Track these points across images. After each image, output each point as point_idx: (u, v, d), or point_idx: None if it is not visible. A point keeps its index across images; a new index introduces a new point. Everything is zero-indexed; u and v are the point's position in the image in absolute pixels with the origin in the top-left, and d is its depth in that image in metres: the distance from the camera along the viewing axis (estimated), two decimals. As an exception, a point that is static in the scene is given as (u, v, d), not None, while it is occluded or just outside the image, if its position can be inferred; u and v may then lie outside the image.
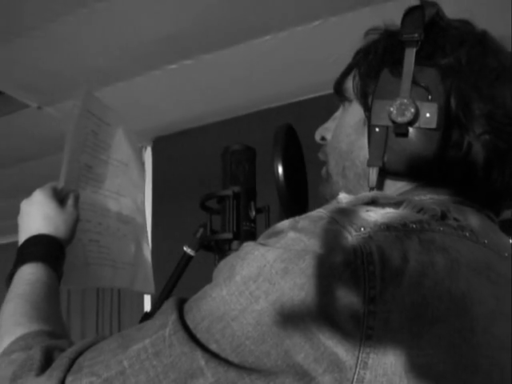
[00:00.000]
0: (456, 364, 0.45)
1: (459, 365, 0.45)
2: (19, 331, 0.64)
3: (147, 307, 2.48)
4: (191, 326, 0.49)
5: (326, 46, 2.04)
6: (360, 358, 0.44)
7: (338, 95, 0.73)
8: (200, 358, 0.46)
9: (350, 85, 0.70)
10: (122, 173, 1.00)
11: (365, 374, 0.44)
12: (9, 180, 3.52)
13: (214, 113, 2.55)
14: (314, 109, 2.30)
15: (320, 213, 0.51)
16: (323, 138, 0.74)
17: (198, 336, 0.48)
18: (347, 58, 1.67)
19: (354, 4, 1.82)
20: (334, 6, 1.83)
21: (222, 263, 0.53)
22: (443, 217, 0.53)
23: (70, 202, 0.87)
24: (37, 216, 0.83)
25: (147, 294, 1.00)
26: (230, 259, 0.52)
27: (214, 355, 0.47)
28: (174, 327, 0.49)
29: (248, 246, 0.51)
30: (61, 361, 0.54)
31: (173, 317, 0.49)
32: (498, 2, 1.69)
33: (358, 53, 0.71)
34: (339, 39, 1.97)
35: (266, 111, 2.47)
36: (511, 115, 0.61)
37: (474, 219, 0.58)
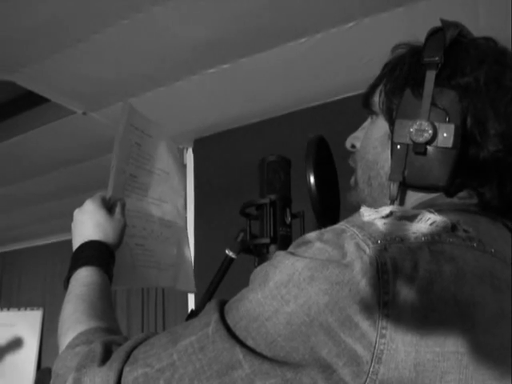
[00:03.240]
0: (459, 361, 0.49)
1: (462, 362, 0.49)
2: (80, 328, 0.72)
3: (191, 305, 2.56)
4: (231, 324, 0.55)
5: (361, 47, 2.07)
6: (375, 354, 0.49)
7: (366, 108, 0.78)
8: (239, 353, 0.53)
9: (376, 99, 0.74)
10: (163, 181, 1.06)
11: (379, 367, 0.49)
12: (56, 182, 3.68)
13: (252, 114, 2.62)
14: (349, 108, 2.34)
15: (342, 226, 0.57)
16: (353, 146, 0.79)
17: (237, 333, 0.54)
18: (380, 59, 1.71)
19: (388, 5, 1.85)
20: (368, 6, 1.86)
21: (258, 269, 0.59)
22: (453, 229, 0.58)
23: (118, 209, 0.95)
24: (89, 224, 0.91)
25: (189, 292, 1.06)
26: (264, 267, 0.58)
27: (251, 350, 0.53)
28: (216, 326, 0.55)
29: (280, 255, 0.57)
30: (119, 354, 0.61)
31: (215, 317, 0.56)
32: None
33: (385, 67, 0.76)
34: (373, 40, 2.01)
35: (301, 112, 2.52)
36: None
37: (484, 229, 0.62)
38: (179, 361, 0.56)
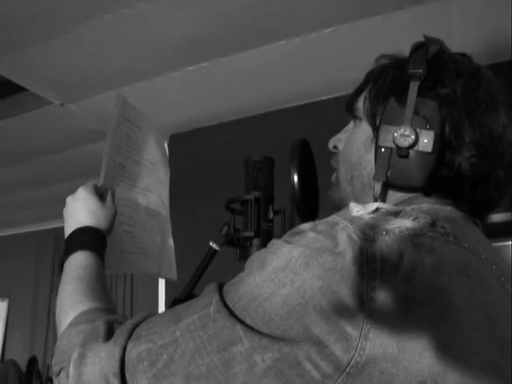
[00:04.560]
0: (436, 340, 0.55)
1: (439, 341, 0.55)
2: (81, 307, 0.75)
3: (161, 295, 2.61)
4: (230, 304, 0.60)
5: (338, 52, 2.14)
6: (362, 332, 0.54)
7: (350, 113, 0.83)
8: (239, 330, 0.57)
9: (360, 105, 0.80)
10: (150, 171, 1.10)
11: (366, 344, 0.54)
12: (26, 173, 3.66)
13: (229, 113, 2.66)
14: (326, 110, 2.42)
15: (335, 219, 0.62)
16: (335, 147, 0.85)
17: (236, 313, 0.59)
18: (357, 64, 1.79)
19: (366, 13, 1.91)
20: (347, 14, 1.92)
21: (255, 256, 0.64)
22: (433, 224, 0.63)
23: (109, 197, 0.98)
24: (82, 210, 0.93)
25: (171, 279, 1.09)
26: (261, 253, 0.63)
27: (250, 327, 0.57)
28: (217, 306, 0.60)
29: (277, 243, 0.62)
30: (122, 330, 0.65)
31: (216, 297, 0.60)
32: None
33: (368, 75, 0.81)
34: (351, 45, 2.08)
35: (277, 112, 2.58)
36: (495, 143, 0.71)
37: (459, 226, 0.68)
38: (182, 337, 0.60)
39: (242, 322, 0.57)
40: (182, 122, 2.75)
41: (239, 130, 2.69)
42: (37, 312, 5.23)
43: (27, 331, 5.21)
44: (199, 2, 1.84)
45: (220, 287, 0.62)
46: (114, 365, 0.61)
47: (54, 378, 0.69)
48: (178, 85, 2.41)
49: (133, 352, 0.61)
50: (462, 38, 2.01)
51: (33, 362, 4.99)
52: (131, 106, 1.08)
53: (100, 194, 0.98)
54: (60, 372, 0.67)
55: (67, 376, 0.64)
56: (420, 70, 0.71)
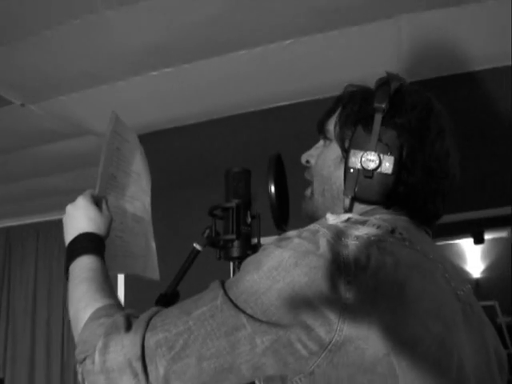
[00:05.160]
0: (396, 322, 0.68)
1: (398, 323, 0.69)
2: (97, 304, 0.84)
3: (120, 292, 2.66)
4: (233, 298, 0.71)
5: (295, 62, 2.27)
6: (341, 318, 0.67)
7: (320, 133, 0.96)
8: (243, 318, 0.69)
9: (330, 128, 0.93)
10: (135, 181, 1.19)
11: (343, 326, 0.67)
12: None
13: (189, 116, 2.76)
14: (281, 115, 2.56)
15: (316, 227, 0.75)
16: (308, 162, 0.98)
17: (239, 305, 0.70)
18: (311, 74, 1.93)
19: (321, 27, 2.05)
20: (304, 27, 2.05)
21: (250, 259, 0.76)
22: (392, 231, 0.77)
23: (104, 206, 1.06)
24: (82, 218, 1.01)
25: (154, 279, 1.18)
26: (256, 256, 0.75)
27: (251, 316, 0.69)
28: (222, 299, 0.71)
29: (269, 248, 0.75)
30: (139, 323, 0.75)
31: (221, 292, 0.72)
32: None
33: (338, 101, 0.94)
34: (308, 57, 2.22)
35: (234, 116, 2.70)
36: (442, 165, 0.86)
37: (412, 233, 0.82)
38: (194, 326, 0.71)
39: (244, 312, 0.70)
40: (143, 125, 2.82)
41: (197, 133, 2.79)
42: None
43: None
44: (164, 12, 1.92)
45: (222, 284, 0.74)
46: (137, 351, 0.71)
47: (77, 366, 0.78)
48: (141, 89, 2.48)
49: (151, 340, 0.72)
50: (411, 52, 2.19)
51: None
52: (121, 121, 1.16)
53: (96, 203, 1.06)
54: (84, 359, 0.76)
55: (93, 362, 0.74)
56: (383, 105, 0.84)
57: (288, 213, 1.01)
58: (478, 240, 2.22)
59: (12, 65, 2.27)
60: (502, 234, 2.26)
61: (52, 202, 4.50)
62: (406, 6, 1.98)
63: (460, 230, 2.19)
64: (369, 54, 2.22)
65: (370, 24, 2.05)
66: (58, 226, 3.79)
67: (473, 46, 2.17)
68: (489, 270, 2.35)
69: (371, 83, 2.39)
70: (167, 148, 2.83)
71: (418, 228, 0.86)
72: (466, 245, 2.34)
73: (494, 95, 2.25)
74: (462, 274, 0.81)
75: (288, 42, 2.14)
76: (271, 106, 2.62)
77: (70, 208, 1.05)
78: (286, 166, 1.05)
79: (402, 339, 0.68)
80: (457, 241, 2.34)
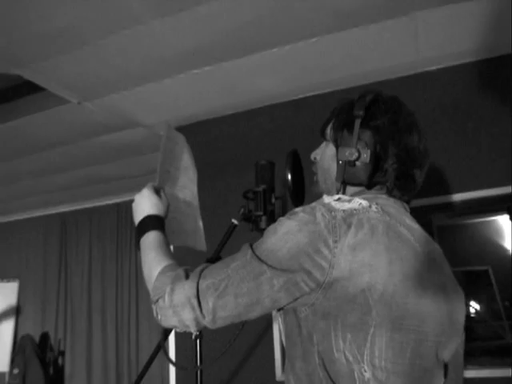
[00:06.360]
0: (370, 267, 0.95)
1: (372, 268, 0.95)
2: (163, 264, 1.13)
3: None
4: (258, 254, 1.00)
5: (321, 58, 2.51)
6: (330, 264, 0.95)
7: (322, 136, 1.23)
8: (264, 267, 0.97)
9: (328, 132, 1.20)
10: (184, 174, 1.47)
11: (332, 270, 0.95)
12: (39, 162, 4.01)
13: (225, 107, 3.05)
14: (310, 105, 2.80)
15: (314, 204, 1.03)
16: (315, 158, 1.24)
17: (262, 258, 0.99)
18: (337, 68, 2.19)
19: (345, 25, 2.28)
20: (329, 26, 2.28)
21: (270, 228, 1.04)
22: (370, 206, 1.03)
23: (163, 194, 1.34)
24: (148, 204, 1.29)
25: (203, 250, 1.46)
26: (274, 226, 1.03)
27: (270, 266, 0.97)
28: (250, 255, 1.00)
29: (282, 219, 1.03)
30: (194, 274, 1.04)
31: (249, 251, 1.01)
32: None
33: (333, 112, 1.20)
34: (332, 52, 2.45)
35: (269, 107, 2.99)
36: (409, 153, 1.10)
37: (388, 206, 1.07)
38: (231, 274, 1.00)
39: (266, 263, 0.99)
40: (186, 116, 3.12)
41: (235, 123, 3.07)
42: (46, 291, 5.59)
43: (38, 309, 5.56)
44: (202, 19, 2.18)
45: (251, 245, 1.03)
46: (194, 292, 1.01)
47: (152, 305, 1.07)
48: (184, 85, 2.76)
49: (203, 285, 1.01)
50: (427, 44, 2.40)
51: (45, 337, 5.39)
52: (172, 128, 1.45)
53: (156, 192, 1.33)
54: (157, 300, 1.05)
55: (164, 301, 1.03)
56: (361, 112, 1.10)
57: (303, 195, 1.28)
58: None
59: (70, 70, 2.59)
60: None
61: (103, 188, 4.88)
62: (421, 3, 2.18)
63: (496, 207, 2.37)
64: (388, 47, 2.44)
65: (388, 21, 2.26)
66: (109, 210, 4.26)
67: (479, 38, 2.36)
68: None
69: (393, 73, 2.60)
70: (208, 137, 3.12)
71: (395, 202, 1.12)
72: (503, 221, 2.48)
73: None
74: (427, 238, 1.05)
75: (314, 39, 2.38)
76: (300, 96, 2.87)
77: (137, 197, 1.32)
78: (307, 146, 1.30)
79: (373, 280, 0.95)
80: (493, 217, 2.50)
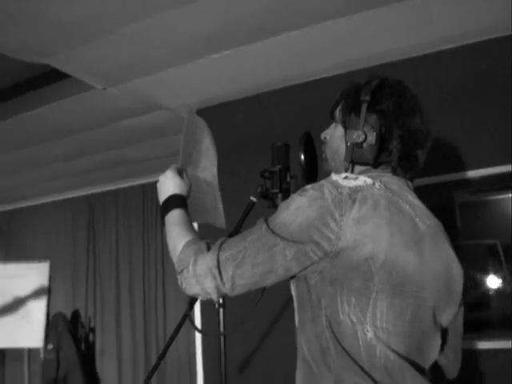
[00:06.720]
0: (373, 237, 1.05)
1: (374, 239, 1.05)
2: (187, 238, 1.23)
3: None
4: (272, 227, 1.10)
5: (336, 40, 2.57)
6: (337, 236, 1.05)
7: (331, 118, 1.31)
8: (278, 239, 1.07)
9: (337, 114, 1.28)
10: (205, 156, 1.56)
11: (338, 241, 1.05)
12: (65, 147, 4.16)
13: (245, 90, 3.14)
14: (324, 86, 2.87)
15: (323, 182, 1.12)
16: (325, 138, 1.33)
17: (276, 231, 1.09)
18: (351, 50, 2.26)
19: (359, 8, 2.33)
20: (343, 9, 2.34)
21: (283, 203, 1.14)
22: (373, 184, 1.12)
23: (185, 175, 1.43)
24: (171, 184, 1.38)
25: (222, 227, 1.56)
26: (287, 201, 1.13)
27: (282, 237, 1.07)
28: (265, 229, 1.10)
29: (294, 196, 1.12)
30: (215, 247, 1.14)
31: (264, 225, 1.11)
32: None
33: (342, 95, 1.28)
34: (347, 35, 2.50)
35: (286, 88, 3.06)
36: (412, 135, 1.18)
37: (391, 184, 1.16)
38: (248, 245, 1.10)
39: (279, 236, 1.09)
40: (207, 98, 3.21)
41: (252, 105, 3.17)
42: (76, 270, 5.79)
43: (69, 288, 5.77)
44: (220, 4, 2.26)
45: (265, 220, 1.14)
46: (215, 263, 1.11)
47: (177, 275, 1.17)
48: (204, 69, 2.85)
49: (222, 256, 1.11)
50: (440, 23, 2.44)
51: (76, 314, 5.61)
52: (194, 113, 1.55)
53: (179, 173, 1.42)
54: (182, 271, 1.16)
55: (188, 271, 1.14)
56: (367, 97, 1.18)
57: (316, 173, 1.37)
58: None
59: (95, 57, 2.70)
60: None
61: (128, 170, 5.02)
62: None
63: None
64: (403, 28, 2.48)
65: (401, 2, 2.30)
66: (134, 191, 4.41)
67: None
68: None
69: (408, 53, 2.63)
70: (227, 119, 3.21)
71: (399, 180, 1.20)
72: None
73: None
74: (428, 213, 1.15)
75: (329, 22, 2.44)
76: (316, 78, 2.94)
77: (162, 177, 1.42)
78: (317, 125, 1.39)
79: (375, 250, 1.05)
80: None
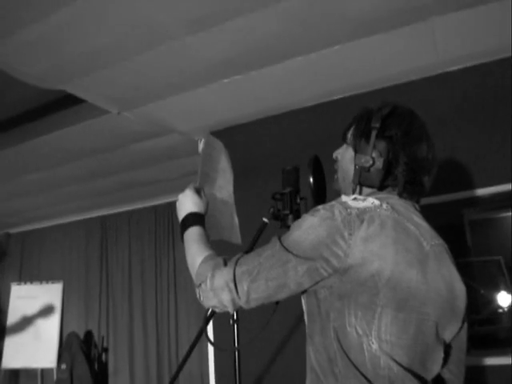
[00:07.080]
0: (379, 256, 1.10)
1: (380, 256, 1.11)
2: (205, 254, 1.31)
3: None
4: (285, 245, 1.16)
5: (344, 63, 2.66)
6: (345, 253, 1.11)
7: (343, 140, 1.38)
8: (290, 256, 1.14)
9: (349, 136, 1.35)
10: (222, 176, 1.65)
11: (347, 259, 1.11)
12: (77, 169, 4.26)
13: (254, 113, 3.23)
14: (334, 108, 2.94)
15: (333, 203, 1.18)
16: (337, 158, 1.40)
17: (288, 249, 1.15)
18: (359, 73, 2.33)
19: (364, 34, 2.41)
20: (349, 34, 2.42)
21: (295, 223, 1.21)
22: (381, 205, 1.18)
23: (203, 194, 1.51)
24: (190, 203, 1.47)
25: (238, 243, 1.63)
26: (299, 221, 1.20)
27: (295, 255, 1.14)
28: (279, 246, 1.16)
29: (306, 216, 1.19)
30: (231, 263, 1.21)
31: (278, 243, 1.17)
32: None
33: (354, 119, 1.35)
34: (355, 59, 2.59)
35: (295, 111, 3.14)
36: (418, 162, 1.24)
37: (397, 206, 1.22)
38: (263, 261, 1.17)
39: (291, 253, 1.15)
40: (218, 122, 3.30)
41: (263, 127, 3.25)
42: (89, 291, 5.86)
43: (82, 308, 5.84)
44: (231, 32, 2.35)
45: (279, 238, 1.20)
46: (231, 277, 1.18)
47: (196, 289, 1.25)
48: (216, 93, 2.94)
49: (239, 271, 1.18)
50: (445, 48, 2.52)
51: (89, 334, 5.66)
52: (211, 136, 1.63)
53: (197, 192, 1.50)
54: (200, 284, 1.23)
55: (206, 285, 1.21)
56: (377, 125, 1.26)
57: (325, 194, 1.44)
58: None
59: (110, 83, 2.81)
60: None
61: (141, 191, 5.10)
62: (438, 9, 2.30)
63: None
64: (408, 51, 2.56)
65: (406, 27, 2.39)
66: (147, 212, 4.50)
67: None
68: None
69: (413, 75, 2.70)
70: (238, 142, 3.28)
71: (405, 202, 1.26)
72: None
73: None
74: (433, 233, 1.22)
75: (337, 47, 2.52)
76: (325, 100, 3.02)
77: (181, 196, 1.50)
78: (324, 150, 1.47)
79: (381, 267, 1.11)
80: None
